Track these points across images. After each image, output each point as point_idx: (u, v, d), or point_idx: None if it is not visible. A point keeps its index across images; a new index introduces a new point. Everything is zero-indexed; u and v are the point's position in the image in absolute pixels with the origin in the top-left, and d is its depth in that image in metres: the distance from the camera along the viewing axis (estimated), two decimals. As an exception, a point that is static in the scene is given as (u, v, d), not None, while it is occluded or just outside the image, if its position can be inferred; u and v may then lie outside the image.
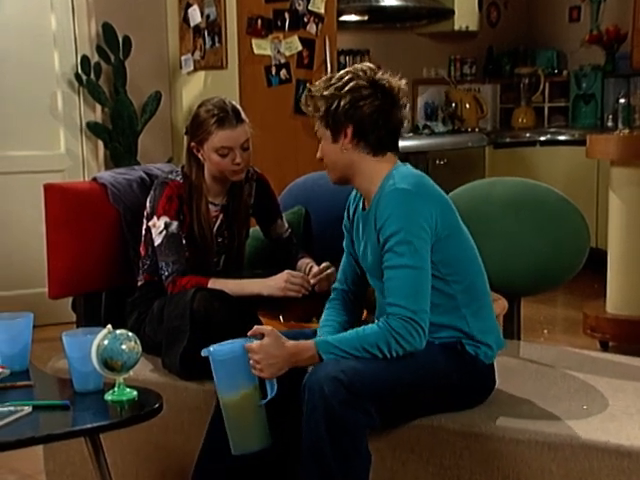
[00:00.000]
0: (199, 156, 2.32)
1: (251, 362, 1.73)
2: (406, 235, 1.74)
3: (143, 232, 2.39)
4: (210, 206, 2.36)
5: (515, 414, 1.84)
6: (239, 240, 2.44)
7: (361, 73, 1.83)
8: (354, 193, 2.02)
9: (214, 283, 2.22)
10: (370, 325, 1.78)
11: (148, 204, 2.36)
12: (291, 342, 1.76)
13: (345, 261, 2.03)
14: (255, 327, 1.80)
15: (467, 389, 1.86)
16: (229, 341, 1.78)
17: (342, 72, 1.86)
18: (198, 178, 2.33)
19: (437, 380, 1.80)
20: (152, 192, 2.35)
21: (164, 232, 2.28)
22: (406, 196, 1.77)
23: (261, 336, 1.76)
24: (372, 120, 1.82)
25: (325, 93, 1.83)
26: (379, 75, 1.84)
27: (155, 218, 2.30)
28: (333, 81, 1.84)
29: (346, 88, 1.81)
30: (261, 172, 2.52)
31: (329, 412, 1.63)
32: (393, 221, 1.76)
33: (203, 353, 1.77)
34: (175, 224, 2.28)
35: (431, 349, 1.80)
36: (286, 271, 2.23)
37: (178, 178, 2.33)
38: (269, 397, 1.74)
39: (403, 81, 1.87)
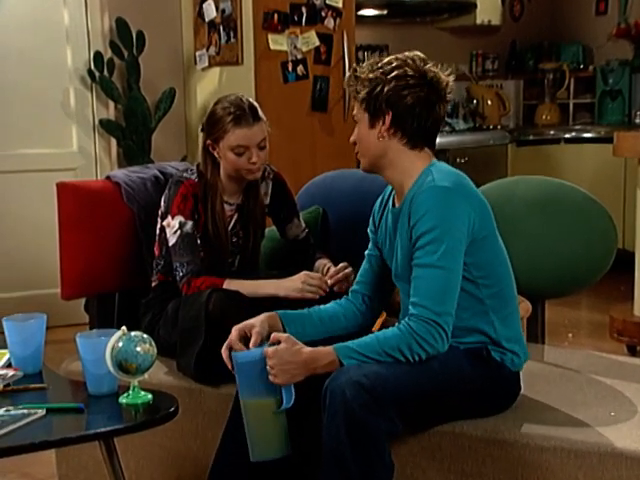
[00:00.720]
0: (215, 154, 2.33)
1: (267, 368, 1.74)
2: (441, 234, 1.73)
3: (157, 232, 2.40)
4: (225, 205, 2.37)
5: (540, 420, 1.83)
6: (254, 240, 2.45)
7: (410, 61, 1.82)
8: (383, 194, 2.01)
9: (229, 284, 2.22)
10: (391, 328, 1.77)
11: (162, 203, 2.37)
12: (308, 348, 1.76)
13: (366, 267, 2.02)
14: (273, 334, 1.80)
15: (491, 395, 1.85)
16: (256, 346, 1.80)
17: (392, 57, 1.84)
18: (213, 176, 2.34)
19: (461, 386, 1.80)
20: (167, 191, 2.37)
21: (179, 232, 2.29)
22: (445, 194, 1.76)
23: (278, 342, 1.77)
24: (413, 111, 1.81)
25: (370, 76, 1.82)
26: (429, 66, 1.83)
27: (169, 217, 2.31)
28: (380, 65, 1.83)
29: (392, 74, 1.80)
30: (278, 171, 2.53)
31: (350, 417, 1.63)
32: (429, 218, 1.74)
33: (232, 356, 1.80)
34: (190, 224, 2.29)
35: (455, 354, 1.80)
36: (303, 272, 2.24)
37: (193, 177, 2.34)
38: (285, 406, 1.74)
39: (452, 77, 1.86)
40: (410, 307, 1.76)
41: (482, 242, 1.80)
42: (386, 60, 1.84)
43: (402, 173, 1.86)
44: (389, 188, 2.00)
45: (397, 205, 1.91)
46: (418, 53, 1.85)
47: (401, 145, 1.85)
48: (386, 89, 1.80)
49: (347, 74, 1.90)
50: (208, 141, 2.33)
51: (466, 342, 1.84)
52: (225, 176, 2.36)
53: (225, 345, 1.84)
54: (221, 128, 2.28)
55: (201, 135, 2.39)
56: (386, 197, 2.00)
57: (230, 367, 1.82)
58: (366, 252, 2.03)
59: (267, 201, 2.49)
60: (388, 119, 1.82)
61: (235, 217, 2.41)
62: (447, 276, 1.74)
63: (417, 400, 1.74)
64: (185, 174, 2.36)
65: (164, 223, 2.34)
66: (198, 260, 2.28)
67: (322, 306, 2.00)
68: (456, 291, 1.76)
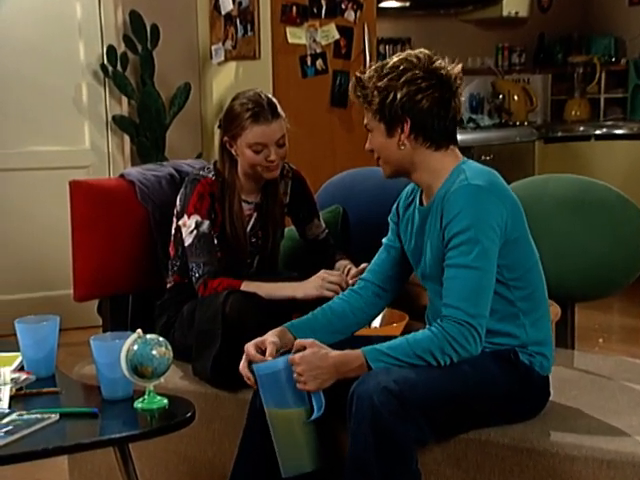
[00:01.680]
0: (232, 151, 2.34)
1: (295, 376, 1.74)
2: (475, 234, 1.74)
3: (173, 231, 2.41)
4: (243, 204, 2.38)
5: (570, 428, 1.82)
6: (273, 240, 2.45)
7: (416, 60, 1.81)
8: (410, 187, 2.01)
9: (247, 286, 2.23)
10: (422, 330, 1.77)
11: (178, 202, 2.38)
12: (336, 352, 1.76)
13: (383, 256, 2.01)
14: (297, 340, 1.80)
15: (520, 400, 1.85)
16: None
17: (395, 60, 1.82)
18: (231, 174, 2.35)
19: (491, 390, 1.79)
20: (182, 189, 2.38)
21: (195, 232, 2.30)
22: (479, 193, 1.76)
23: (303, 349, 1.77)
24: (431, 113, 1.81)
25: (379, 84, 1.80)
26: (436, 63, 1.82)
27: (185, 217, 2.32)
28: (386, 70, 1.81)
29: (402, 79, 1.79)
30: (297, 169, 2.53)
31: (378, 423, 1.63)
32: (463, 217, 1.74)
33: (252, 367, 1.80)
34: (207, 223, 2.30)
35: (484, 357, 1.79)
36: (322, 270, 2.24)
37: (210, 175, 2.35)
38: (316, 414, 1.74)
39: (459, 66, 1.86)
40: (442, 308, 1.76)
41: (514, 243, 1.80)
42: (391, 64, 1.82)
43: (431, 174, 1.86)
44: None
45: (425, 204, 1.91)
46: (423, 50, 1.85)
47: (425, 148, 1.84)
48: (399, 96, 1.79)
49: (350, 83, 1.88)
50: (225, 138, 2.34)
51: (494, 344, 1.83)
52: (243, 174, 2.37)
53: (243, 362, 1.84)
54: (239, 125, 2.28)
55: (218, 132, 2.40)
56: (413, 194, 2.00)
57: (251, 383, 1.82)
58: (384, 241, 2.03)
59: (286, 200, 2.49)
60: (407, 126, 1.82)
61: (254, 216, 2.42)
62: (481, 277, 1.74)
63: (446, 406, 1.74)
64: (202, 172, 2.37)
65: (180, 223, 2.35)
66: (215, 261, 2.29)
67: (327, 305, 1.99)
68: (490, 292, 1.76)
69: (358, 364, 1.73)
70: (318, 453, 1.78)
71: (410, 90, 1.79)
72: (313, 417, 1.74)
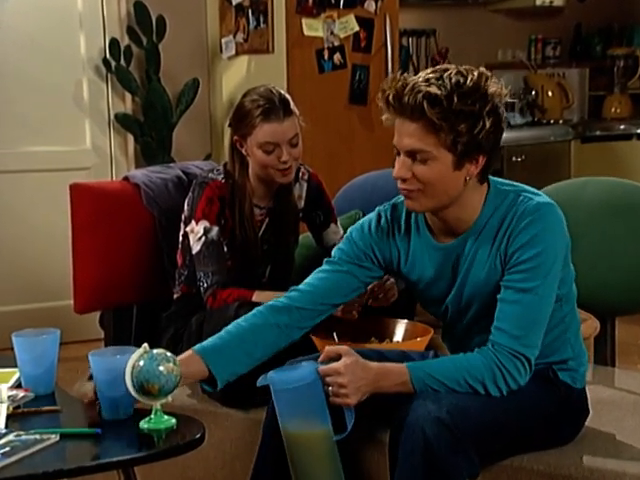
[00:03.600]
0: (243, 151, 2.35)
1: (331, 389, 1.69)
2: (546, 262, 1.74)
3: (180, 238, 2.43)
4: (255, 209, 2.39)
5: (610, 454, 1.82)
6: (287, 248, 2.46)
7: (493, 84, 1.72)
8: (383, 216, 1.93)
9: (259, 296, 2.24)
10: (472, 354, 1.77)
11: (186, 207, 2.40)
12: (376, 363, 1.75)
13: (327, 276, 1.91)
14: (327, 348, 1.76)
15: (561, 423, 1.86)
16: (292, 366, 1.75)
17: (471, 78, 1.69)
18: (242, 177, 2.36)
19: (536, 416, 1.81)
20: (190, 194, 2.39)
21: (203, 238, 2.32)
22: (552, 213, 1.76)
23: (338, 357, 1.73)
24: (500, 143, 1.77)
25: (464, 108, 1.68)
26: (496, 85, 1.74)
27: (193, 223, 2.34)
28: (466, 90, 1.68)
29: (488, 107, 1.70)
30: (314, 171, 2.54)
31: (430, 457, 1.63)
32: (537, 243, 1.73)
33: (259, 382, 1.73)
34: (216, 229, 2.32)
35: (527, 381, 1.80)
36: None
37: (219, 177, 2.37)
38: (348, 430, 1.70)
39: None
40: (495, 331, 1.76)
41: (566, 259, 1.83)
42: (471, 84, 1.69)
43: (466, 210, 1.81)
44: (398, 211, 1.92)
45: (447, 239, 1.86)
46: (482, 69, 1.76)
47: (475, 182, 1.80)
48: (488, 125, 1.70)
49: (413, 96, 1.69)
50: (235, 137, 2.36)
51: (540, 364, 1.84)
52: (255, 177, 2.38)
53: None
54: (249, 123, 2.30)
55: (229, 131, 2.42)
56: (398, 221, 1.92)
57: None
58: (335, 254, 1.94)
59: (301, 205, 2.50)
60: (483, 160, 1.75)
61: (266, 222, 2.43)
62: (542, 305, 1.75)
63: (497, 436, 1.76)
64: (211, 174, 2.39)
65: (187, 229, 2.37)
66: (224, 270, 2.30)
67: (239, 324, 1.89)
68: (546, 322, 1.77)
69: (401, 381, 1.73)
70: (343, 476, 1.76)
71: (495, 119, 1.72)
72: (345, 434, 1.70)
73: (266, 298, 2.21)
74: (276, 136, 2.29)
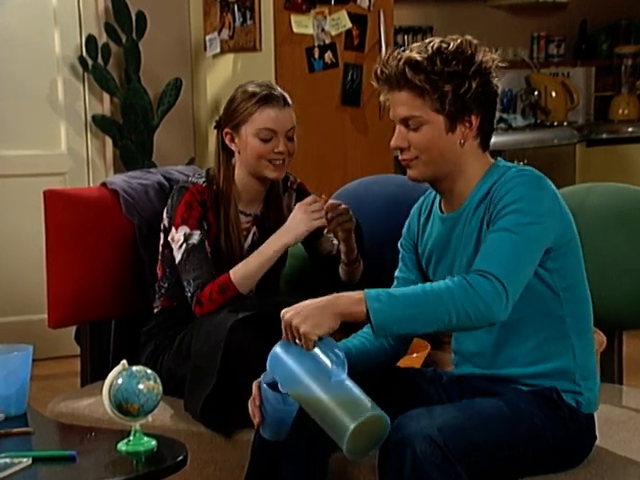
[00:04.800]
0: (233, 147, 2.37)
1: (284, 335, 1.71)
2: (528, 207, 1.77)
3: (160, 249, 2.44)
4: (241, 216, 2.40)
5: (618, 478, 1.83)
6: None
7: (477, 46, 1.83)
8: (423, 202, 2.04)
9: (235, 274, 2.29)
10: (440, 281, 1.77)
11: (165, 215, 2.41)
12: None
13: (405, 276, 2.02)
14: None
15: (564, 448, 1.86)
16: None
17: (454, 43, 1.82)
18: (227, 180, 2.38)
19: (536, 440, 1.81)
20: (169, 200, 2.41)
21: (184, 246, 2.33)
22: (538, 180, 1.82)
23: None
24: (495, 106, 1.87)
25: (448, 69, 1.80)
26: (484, 51, 1.86)
27: (173, 230, 2.35)
28: (450, 54, 1.80)
29: (474, 67, 1.81)
30: (301, 181, 2.55)
31: (419, 476, 1.64)
32: (515, 192, 1.79)
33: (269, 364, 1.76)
34: (197, 234, 2.33)
35: (526, 402, 1.82)
36: (296, 205, 2.30)
37: (200, 181, 2.38)
38: (338, 370, 1.67)
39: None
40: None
41: (566, 247, 1.85)
42: (453, 47, 1.81)
43: (466, 179, 1.89)
44: (431, 195, 2.03)
45: (447, 211, 1.93)
46: (469, 37, 1.87)
47: (476, 147, 1.89)
48: (474, 85, 1.81)
49: (395, 64, 1.83)
50: (226, 130, 2.37)
51: (538, 376, 1.85)
52: (242, 179, 2.39)
53: (252, 405, 1.81)
54: (246, 109, 2.33)
55: (214, 133, 2.43)
56: (428, 205, 2.02)
57: (257, 422, 1.80)
58: (396, 274, 2.05)
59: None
60: (476, 121, 1.85)
61: (252, 230, 2.44)
62: (523, 247, 1.76)
63: (493, 457, 1.76)
64: (191, 179, 2.40)
65: (168, 238, 2.38)
66: (206, 271, 2.31)
67: (348, 341, 1.98)
68: (526, 271, 1.77)
69: (356, 298, 1.70)
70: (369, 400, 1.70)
71: (483, 80, 1.83)
72: (336, 377, 1.67)
73: (241, 270, 2.28)
74: (276, 123, 2.33)
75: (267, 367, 1.75)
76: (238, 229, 2.38)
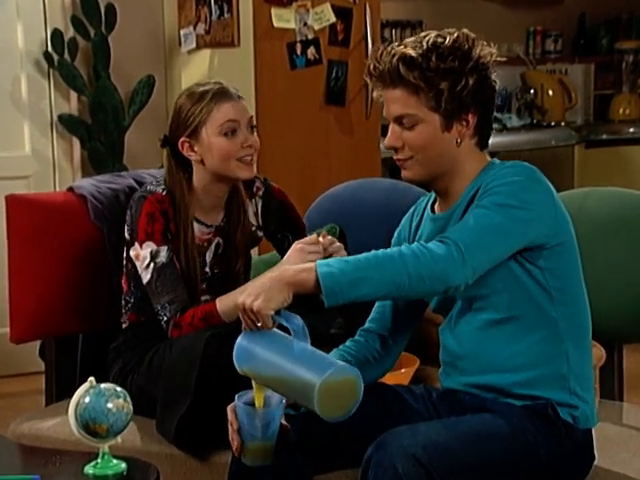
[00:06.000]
0: (193, 157, 2.37)
1: (244, 325, 1.74)
2: (512, 190, 1.81)
3: (124, 262, 2.43)
4: (201, 227, 2.40)
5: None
6: (236, 274, 2.46)
7: (474, 41, 1.86)
8: (415, 208, 2.07)
9: (221, 303, 2.28)
10: None
11: (126, 228, 2.40)
12: None
13: (387, 301, 2.04)
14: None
15: (560, 468, 1.86)
16: None
17: (450, 36, 1.84)
18: (182, 189, 2.36)
19: (529, 460, 1.82)
20: (128, 211, 2.40)
21: (152, 265, 2.32)
22: (531, 171, 1.86)
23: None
24: (493, 104, 1.91)
25: (443, 66, 1.83)
26: (482, 46, 1.89)
27: (137, 246, 2.34)
28: (446, 50, 1.83)
29: (470, 63, 1.84)
30: (277, 186, 2.55)
31: None
32: (505, 178, 1.83)
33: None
34: (164, 250, 2.33)
35: (519, 417, 1.82)
36: (295, 243, 2.27)
37: (159, 189, 2.37)
38: (298, 334, 1.70)
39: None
40: None
41: (562, 248, 1.87)
42: (449, 43, 1.84)
43: (462, 177, 1.92)
44: (422, 203, 2.05)
45: (442, 211, 1.96)
46: (465, 30, 1.90)
47: (473, 146, 1.93)
48: (472, 82, 1.85)
49: (389, 59, 1.85)
50: (183, 139, 2.36)
51: (529, 385, 1.86)
52: (203, 187, 2.38)
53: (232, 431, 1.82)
54: (202, 110, 2.33)
55: (165, 151, 2.42)
56: (419, 213, 2.05)
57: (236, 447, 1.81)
58: None
59: (257, 222, 2.51)
60: (473, 119, 1.88)
61: (215, 242, 2.43)
62: (497, 224, 1.78)
63: (479, 476, 1.76)
64: (150, 187, 2.39)
65: (132, 254, 2.37)
66: (182, 292, 2.31)
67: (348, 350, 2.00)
68: (496, 248, 1.79)
69: (305, 267, 1.72)
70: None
71: (480, 76, 1.86)
72: (298, 346, 1.70)
73: (228, 302, 2.25)
74: (237, 113, 2.34)
75: (234, 361, 1.76)
76: (192, 241, 2.35)
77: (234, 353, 1.77)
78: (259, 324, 1.72)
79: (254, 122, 2.41)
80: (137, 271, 2.36)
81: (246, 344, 1.75)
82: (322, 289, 1.69)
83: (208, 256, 2.42)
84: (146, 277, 2.33)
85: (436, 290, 1.77)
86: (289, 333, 1.73)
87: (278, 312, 1.71)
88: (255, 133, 2.40)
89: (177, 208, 2.36)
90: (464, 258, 1.74)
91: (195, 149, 2.37)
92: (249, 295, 1.71)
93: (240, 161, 2.35)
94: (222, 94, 2.35)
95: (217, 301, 2.29)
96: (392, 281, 1.71)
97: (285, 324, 1.72)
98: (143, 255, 2.33)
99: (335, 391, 1.67)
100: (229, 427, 1.80)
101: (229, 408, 1.81)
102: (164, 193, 2.36)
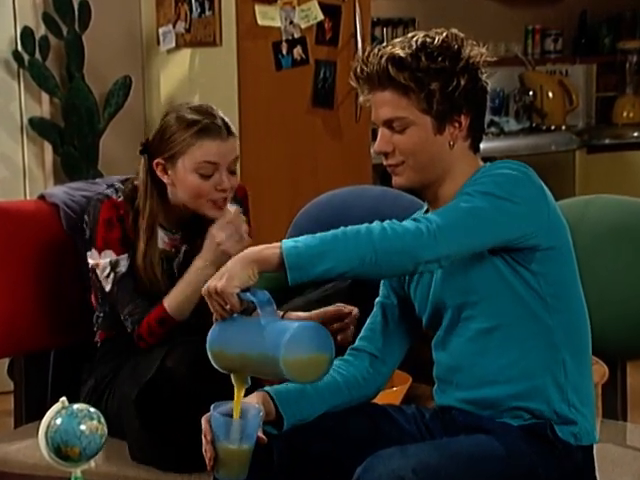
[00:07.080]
0: (165, 179, 2.35)
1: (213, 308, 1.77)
2: (500, 181, 1.84)
3: (89, 273, 2.43)
4: (167, 235, 2.40)
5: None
6: None
7: (463, 40, 1.89)
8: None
9: (167, 302, 2.31)
10: None
11: (86, 230, 2.40)
12: None
13: (378, 318, 2.06)
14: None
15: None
16: None
17: (437, 38, 1.87)
18: (152, 195, 2.36)
19: None
20: (85, 217, 2.40)
21: (112, 275, 2.34)
22: (524, 168, 1.88)
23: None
24: (485, 105, 1.94)
25: (434, 66, 1.86)
26: (472, 46, 1.92)
27: (96, 254, 2.35)
28: (435, 49, 1.86)
29: (461, 63, 1.87)
30: (241, 183, 2.53)
31: None
32: (494, 172, 1.87)
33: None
34: (123, 259, 2.34)
35: (515, 438, 1.82)
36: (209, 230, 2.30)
37: (115, 195, 2.37)
38: (266, 310, 1.73)
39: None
40: None
41: (556, 252, 1.88)
42: (438, 42, 1.87)
43: (455, 184, 1.93)
44: (420, 211, 2.05)
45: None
46: (455, 30, 1.92)
47: (466, 149, 1.95)
48: (463, 82, 1.87)
49: (377, 61, 1.87)
50: (158, 160, 2.34)
51: (524, 396, 1.87)
52: (174, 202, 2.38)
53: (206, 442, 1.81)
54: (184, 141, 2.30)
55: (142, 160, 2.38)
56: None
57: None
58: (377, 300, 2.08)
59: None
60: (466, 121, 1.91)
61: (182, 251, 2.43)
62: (479, 210, 1.80)
63: None
64: (106, 191, 2.39)
65: (91, 262, 2.38)
66: (141, 303, 2.33)
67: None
68: (475, 233, 1.80)
69: (273, 244, 1.73)
70: None
71: (471, 76, 1.88)
72: (265, 320, 1.73)
73: (176, 296, 2.29)
74: (219, 155, 2.31)
75: (207, 348, 1.78)
76: (151, 251, 2.35)
77: (207, 345, 1.79)
78: (227, 307, 1.73)
79: (236, 164, 2.38)
80: (100, 282, 2.37)
81: (215, 332, 1.79)
82: (286, 263, 1.70)
83: (177, 262, 2.43)
84: (107, 287, 2.36)
85: (405, 266, 1.77)
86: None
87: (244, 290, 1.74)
88: (236, 173, 2.39)
89: (141, 213, 2.36)
90: (436, 235, 1.76)
91: (169, 173, 2.35)
92: (213, 279, 1.74)
93: (211, 201, 2.34)
94: (210, 130, 2.30)
95: (165, 303, 2.30)
96: (357, 255, 1.73)
97: (249, 300, 1.74)
98: (103, 264, 2.35)
99: (302, 357, 1.71)
100: (203, 438, 1.79)
101: (204, 419, 1.81)
102: (120, 199, 2.36)
